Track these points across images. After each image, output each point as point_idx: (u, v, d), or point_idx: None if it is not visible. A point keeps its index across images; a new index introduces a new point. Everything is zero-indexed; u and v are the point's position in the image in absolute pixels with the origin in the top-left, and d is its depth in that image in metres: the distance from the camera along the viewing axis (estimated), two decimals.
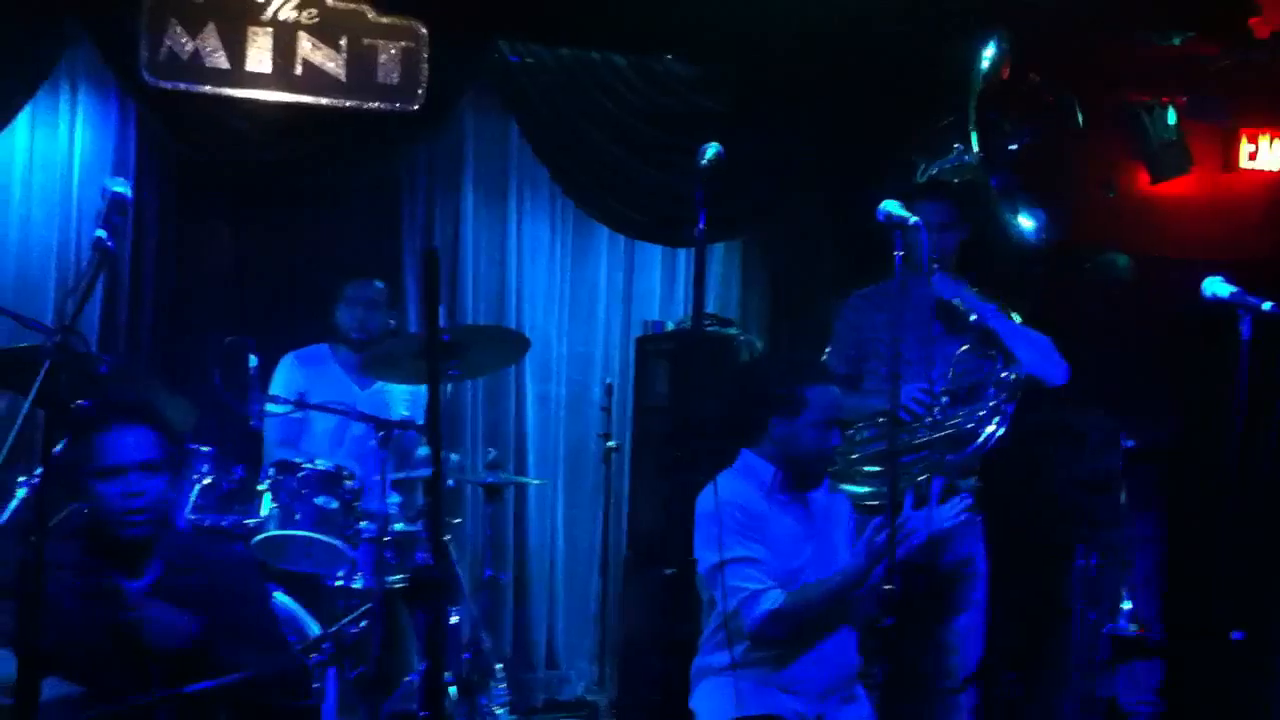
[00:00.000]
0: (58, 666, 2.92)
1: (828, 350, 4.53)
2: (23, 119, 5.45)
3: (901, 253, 3.57)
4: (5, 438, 2.85)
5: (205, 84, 5.36)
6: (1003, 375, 4.25)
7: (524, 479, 6.19)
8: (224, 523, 4.66)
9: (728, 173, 3.49)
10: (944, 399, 4.24)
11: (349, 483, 4.74)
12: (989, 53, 4.97)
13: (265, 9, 5.42)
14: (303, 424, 5.21)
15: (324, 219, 5.98)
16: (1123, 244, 6.25)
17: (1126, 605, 5.58)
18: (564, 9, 5.82)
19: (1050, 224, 4.87)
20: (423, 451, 5.45)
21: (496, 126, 6.29)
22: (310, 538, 4.63)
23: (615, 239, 6.56)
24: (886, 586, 3.42)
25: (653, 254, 6.65)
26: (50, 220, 5.64)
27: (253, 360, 4.58)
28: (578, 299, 6.60)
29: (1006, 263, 4.88)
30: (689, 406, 4.58)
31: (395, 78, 5.62)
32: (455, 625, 4.99)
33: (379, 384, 5.26)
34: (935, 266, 4.28)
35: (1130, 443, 5.62)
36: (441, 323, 4.73)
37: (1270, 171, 6.48)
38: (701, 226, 3.44)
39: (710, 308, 6.31)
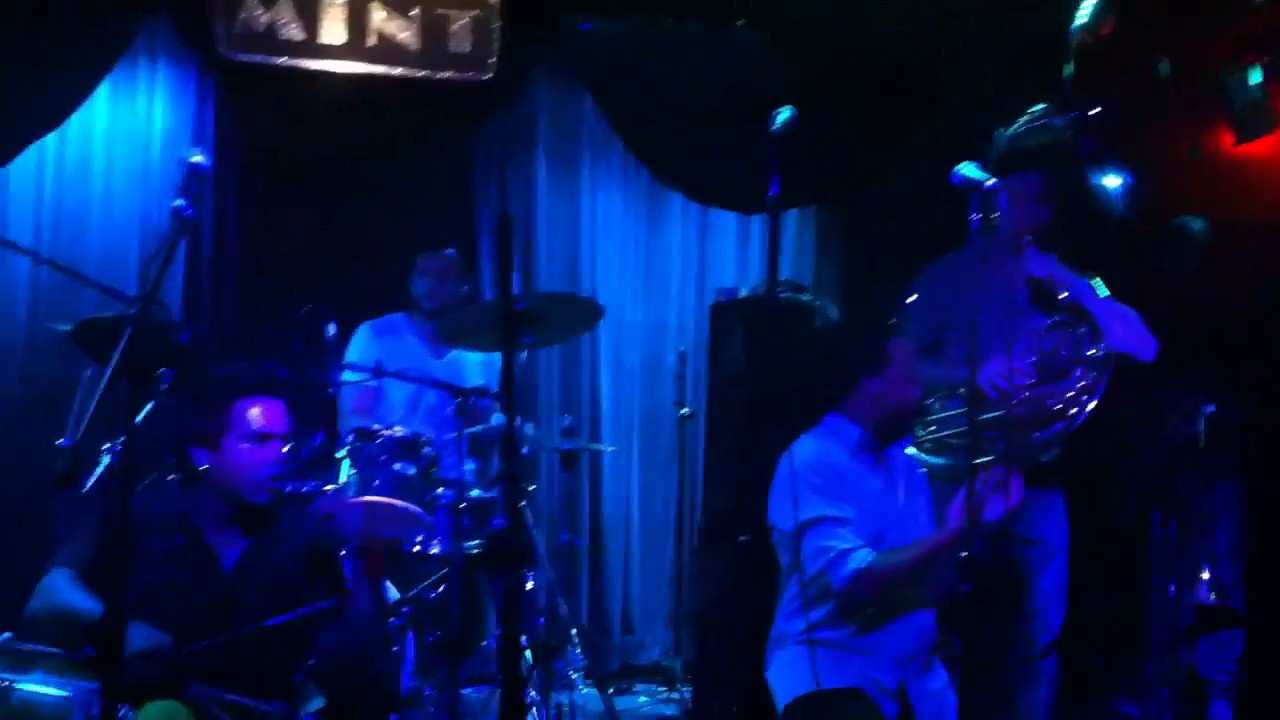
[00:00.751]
0: (148, 617, 2.98)
1: (906, 320, 4.47)
2: (103, 92, 5.53)
3: (978, 216, 3.52)
4: (89, 406, 2.89)
5: (280, 56, 5.42)
6: (1091, 353, 4.19)
7: (599, 446, 6.21)
8: (304, 489, 4.71)
9: (802, 139, 3.45)
10: (1028, 379, 4.18)
11: (426, 449, 4.78)
12: (1088, 6, 4.85)
13: None
14: (378, 392, 5.26)
15: (399, 190, 6.02)
16: (1207, 207, 6.12)
17: (1206, 575, 5.49)
18: None
19: (1135, 188, 4.77)
20: (497, 419, 5.49)
21: (569, 96, 6.29)
22: (389, 504, 4.67)
23: (688, 207, 6.55)
24: (964, 554, 3.38)
25: (726, 222, 6.63)
26: (131, 192, 5.74)
27: (331, 329, 4.63)
28: (651, 267, 6.60)
29: (1093, 229, 4.79)
30: (765, 373, 4.55)
31: (467, 47, 5.64)
32: (531, 591, 5.02)
33: (454, 352, 5.30)
34: (1028, 239, 4.23)
35: (1211, 408, 5.52)
36: (516, 291, 4.76)
37: None
38: (775, 192, 3.40)
39: (784, 275, 6.27)
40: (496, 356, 5.38)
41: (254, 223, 5.91)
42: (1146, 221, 5.41)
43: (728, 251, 6.68)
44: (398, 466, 4.71)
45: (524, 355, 5.23)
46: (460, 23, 5.63)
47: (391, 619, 4.32)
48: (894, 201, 6.26)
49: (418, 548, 4.73)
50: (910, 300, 4.49)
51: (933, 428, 4.23)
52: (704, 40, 5.95)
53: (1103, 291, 4.37)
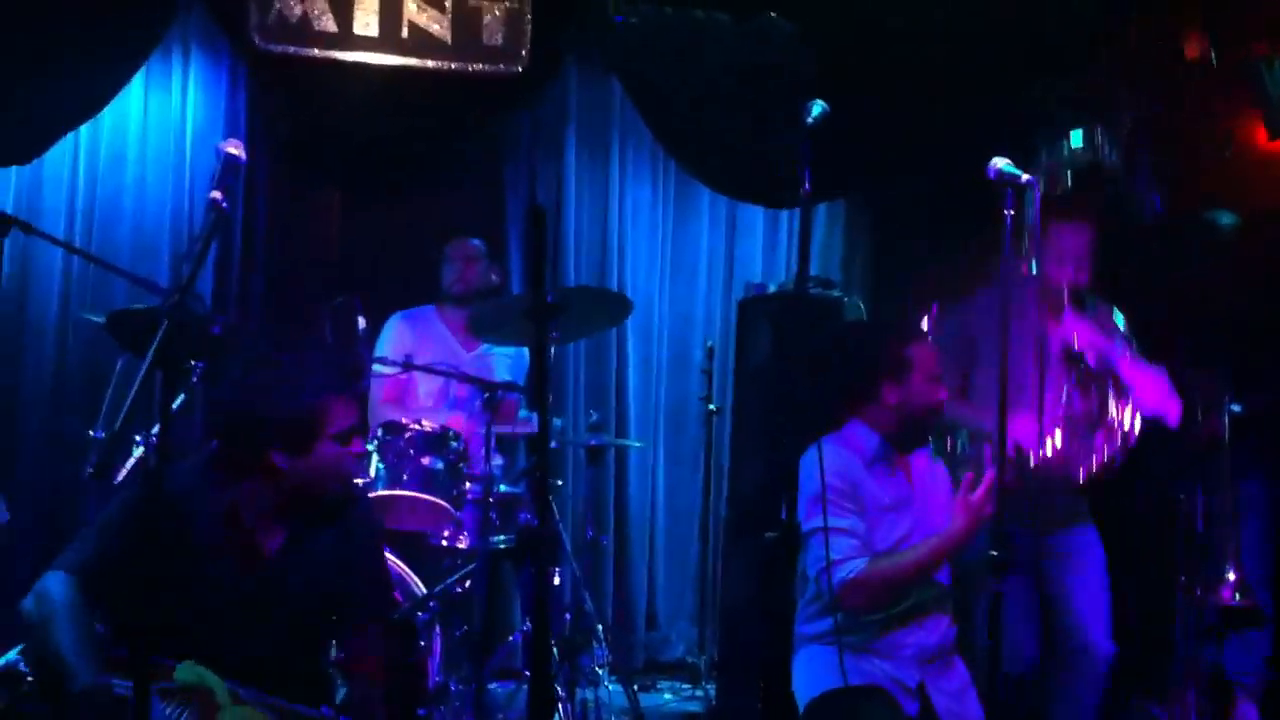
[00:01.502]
0: (182, 610, 2.95)
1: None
2: (136, 83, 5.54)
3: (1012, 212, 3.49)
4: (123, 397, 2.89)
5: (313, 47, 5.43)
6: (1117, 416, 4.19)
7: (625, 441, 6.20)
8: None
9: (833, 132, 3.43)
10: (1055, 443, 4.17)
11: (455, 444, 4.79)
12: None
13: None
14: (407, 384, 5.27)
15: (429, 182, 6.02)
16: (1238, 201, 6.07)
17: (1231, 574, 5.46)
18: None
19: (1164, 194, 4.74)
20: (524, 414, 5.50)
21: (599, 87, 6.28)
22: (417, 497, 4.68)
23: (717, 201, 6.54)
24: (992, 552, 3.37)
25: (754, 216, 6.61)
26: (164, 183, 5.75)
27: (361, 321, 4.64)
28: (679, 261, 6.59)
29: (1127, 239, 4.76)
30: (792, 369, 4.54)
31: (499, 39, 5.64)
32: (557, 586, 5.03)
33: (483, 346, 5.31)
34: (1064, 303, 4.25)
35: (1237, 406, 5.48)
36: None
37: None
38: (807, 186, 3.38)
39: (813, 271, 6.25)
40: (524, 351, 5.45)
41: (284, 214, 5.93)
42: (1176, 217, 5.38)
43: (756, 246, 6.66)
44: (426, 461, 4.72)
45: (551, 349, 5.23)
46: (493, 15, 5.63)
47: (419, 614, 4.33)
48: (924, 196, 6.24)
49: (445, 542, 4.74)
50: (939, 335, 4.44)
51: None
52: (734, 32, 5.92)
53: (1120, 321, 4.35)
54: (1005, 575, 3.35)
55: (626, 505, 6.38)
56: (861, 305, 5.92)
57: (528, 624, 4.75)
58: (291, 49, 5.41)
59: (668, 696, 5.89)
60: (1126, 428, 4.19)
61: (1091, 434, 4.21)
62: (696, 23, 5.88)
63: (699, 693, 5.81)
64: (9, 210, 4.12)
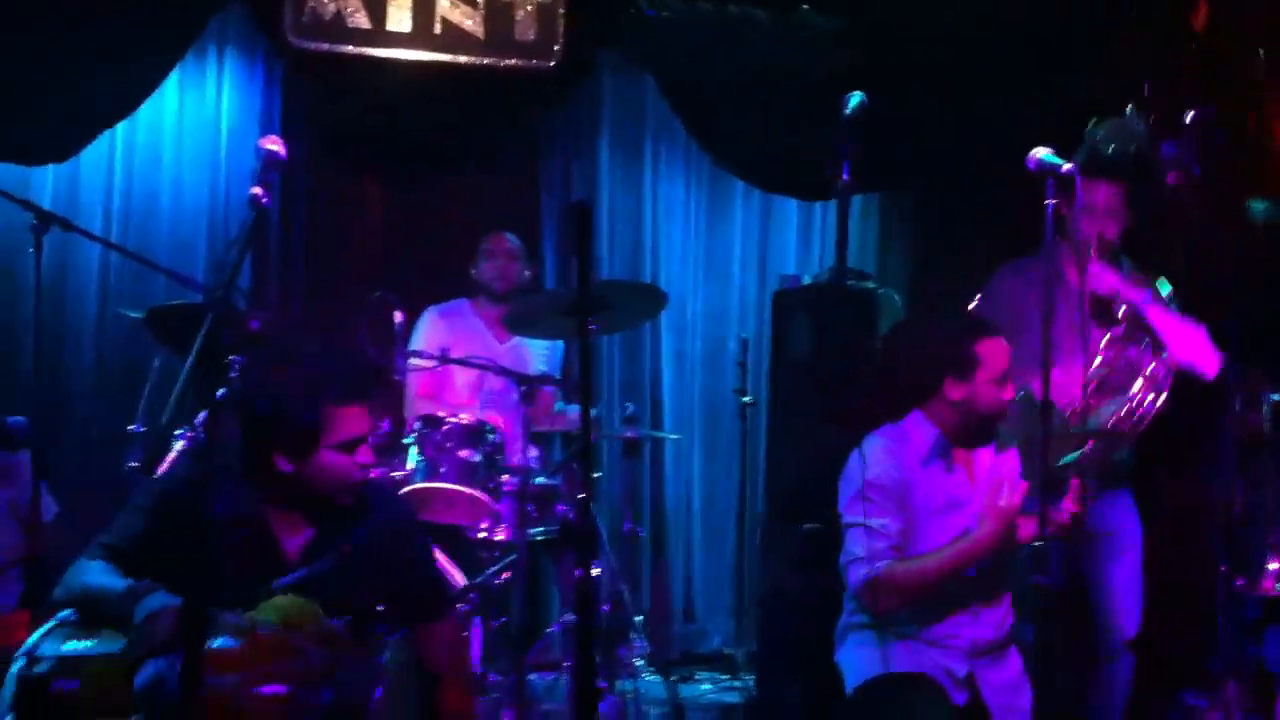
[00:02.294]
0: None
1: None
2: (172, 81, 5.58)
3: (1053, 201, 3.48)
4: (162, 393, 2.91)
5: (347, 44, 5.46)
6: (1152, 369, 4.15)
7: (661, 434, 6.21)
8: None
9: (870, 125, 3.43)
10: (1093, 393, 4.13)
11: (492, 436, 4.80)
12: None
13: None
14: (443, 378, 5.29)
15: (463, 178, 6.04)
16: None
17: (1273, 565, 5.42)
18: None
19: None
20: (559, 406, 5.51)
21: (632, 82, 6.28)
22: (455, 490, 4.70)
23: (750, 195, 6.53)
24: (1038, 543, 3.36)
25: (788, 210, 6.60)
26: (200, 181, 5.79)
27: (398, 316, 4.66)
28: (713, 255, 6.59)
29: (1173, 236, 4.73)
30: (830, 361, 4.52)
31: (532, 35, 5.65)
32: (595, 578, 5.04)
33: (517, 339, 5.32)
34: (1090, 254, 4.18)
35: (1276, 396, 5.44)
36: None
37: None
38: (846, 178, 3.38)
39: (849, 263, 6.22)
40: (559, 344, 5.47)
41: (319, 210, 5.95)
42: (1216, 208, 5.33)
43: (790, 238, 6.65)
44: (463, 453, 4.73)
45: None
46: (525, 10, 5.65)
47: (460, 605, 4.34)
48: (960, 187, 6.21)
49: (483, 534, 4.76)
50: (979, 300, 4.44)
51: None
52: (768, 24, 5.91)
53: (1165, 290, 4.32)
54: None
55: (663, 498, 6.40)
56: (897, 297, 5.91)
57: (566, 615, 4.77)
58: (325, 46, 5.45)
59: (706, 688, 5.89)
60: (1160, 377, 4.12)
61: (1129, 385, 4.16)
62: (730, 18, 5.88)
63: (737, 684, 5.81)
64: (48, 208, 4.15)
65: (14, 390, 5.18)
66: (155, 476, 4.03)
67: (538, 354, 5.44)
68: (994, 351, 3.56)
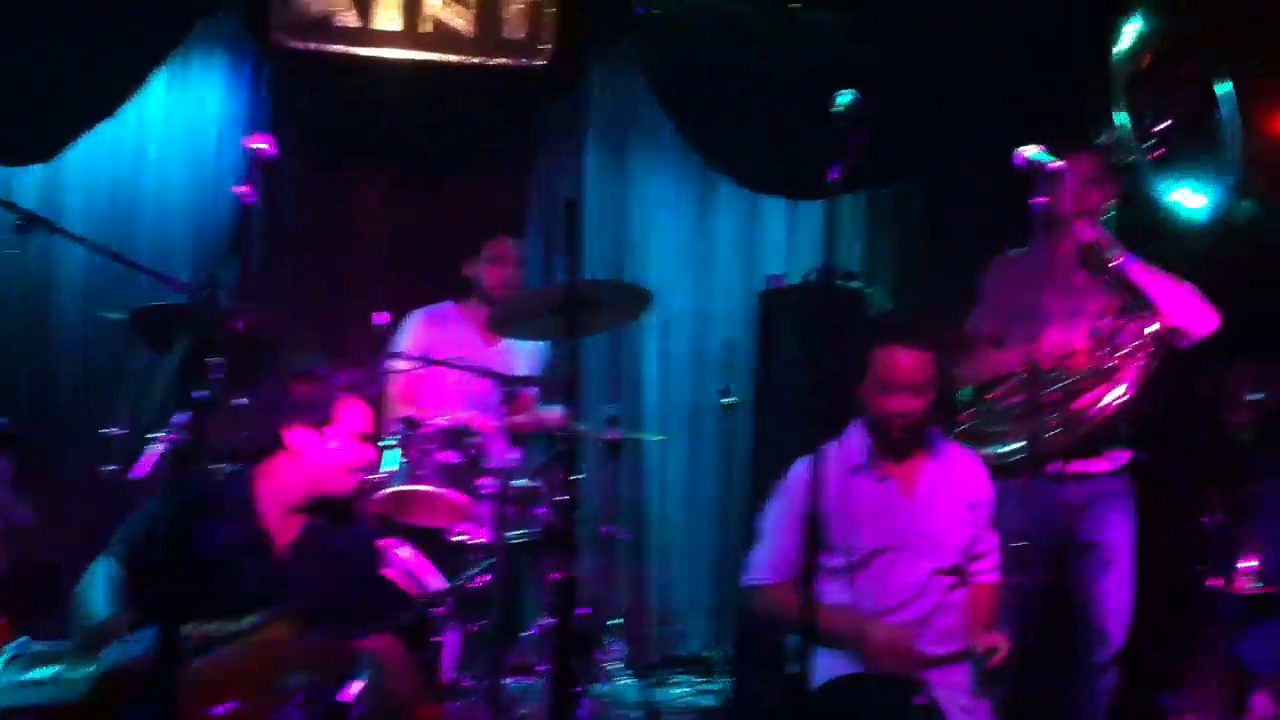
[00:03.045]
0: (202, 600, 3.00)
1: (974, 311, 4.45)
2: (158, 81, 5.58)
3: (1042, 199, 3.48)
4: (145, 394, 2.92)
5: (335, 43, 5.46)
6: (1144, 329, 4.15)
7: (645, 435, 6.20)
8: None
9: (859, 123, 3.42)
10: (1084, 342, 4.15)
11: (472, 438, 4.80)
12: (1130, 34, 4.79)
13: None
14: (428, 381, 5.29)
15: (452, 177, 6.03)
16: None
17: (1254, 563, 5.45)
18: None
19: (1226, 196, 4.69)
20: (540, 408, 5.51)
21: (620, 80, 6.27)
22: (435, 493, 4.70)
23: (736, 193, 6.52)
24: (1020, 543, 3.36)
25: (774, 209, 6.59)
26: (185, 180, 5.79)
27: (381, 317, 4.66)
28: (698, 254, 6.59)
29: (1174, 241, 4.73)
30: (815, 362, 4.52)
31: (522, 33, 5.65)
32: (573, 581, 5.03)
33: (504, 341, 5.31)
34: (1071, 218, 4.17)
35: (1259, 394, 5.46)
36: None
37: None
38: (835, 176, 3.37)
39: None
40: (541, 345, 5.46)
41: (306, 210, 5.94)
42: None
43: (776, 238, 6.64)
44: (444, 456, 4.72)
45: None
46: (515, 8, 5.63)
47: (436, 609, 4.34)
48: (950, 185, 6.20)
49: (462, 537, 4.76)
50: (981, 293, 4.45)
51: (995, 416, 4.21)
52: (758, 22, 5.90)
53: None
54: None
55: (643, 499, 6.40)
56: (885, 295, 5.89)
57: (544, 619, 4.77)
58: (313, 45, 5.44)
59: (683, 690, 5.91)
60: (1147, 333, 4.12)
61: (1116, 341, 4.17)
62: (720, 16, 5.87)
63: (714, 687, 5.83)
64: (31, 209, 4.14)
65: None
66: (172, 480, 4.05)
67: (528, 356, 5.43)
68: (885, 359, 3.48)
